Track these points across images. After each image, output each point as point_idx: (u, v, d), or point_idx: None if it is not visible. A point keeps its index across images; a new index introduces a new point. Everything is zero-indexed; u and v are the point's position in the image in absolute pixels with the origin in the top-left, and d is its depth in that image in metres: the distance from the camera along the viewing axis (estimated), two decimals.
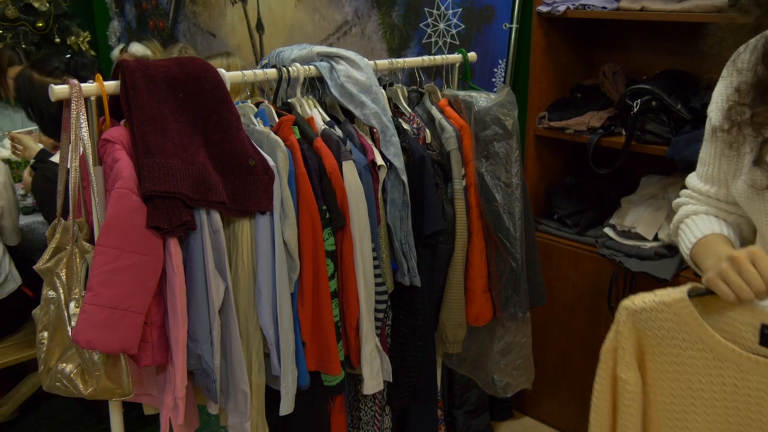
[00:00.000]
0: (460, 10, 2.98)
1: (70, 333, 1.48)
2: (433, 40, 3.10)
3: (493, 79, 2.90)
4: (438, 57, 2.19)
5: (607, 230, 2.52)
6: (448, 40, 3.04)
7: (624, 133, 2.43)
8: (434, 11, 3.07)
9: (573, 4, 2.46)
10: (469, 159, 2.04)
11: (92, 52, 4.49)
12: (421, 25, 3.13)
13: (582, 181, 2.69)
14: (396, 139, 1.90)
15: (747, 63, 1.16)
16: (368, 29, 3.31)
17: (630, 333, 1.16)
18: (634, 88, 2.38)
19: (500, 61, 2.87)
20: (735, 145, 1.17)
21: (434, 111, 2.09)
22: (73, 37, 4.27)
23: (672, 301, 1.11)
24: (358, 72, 1.94)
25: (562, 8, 2.46)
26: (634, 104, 2.36)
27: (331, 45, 3.44)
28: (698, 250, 1.21)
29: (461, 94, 2.10)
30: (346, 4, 3.37)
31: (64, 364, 1.50)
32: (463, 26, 2.98)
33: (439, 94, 2.17)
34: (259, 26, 3.68)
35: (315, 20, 3.47)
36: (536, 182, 2.68)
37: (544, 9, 2.51)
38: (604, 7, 2.42)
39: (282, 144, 1.74)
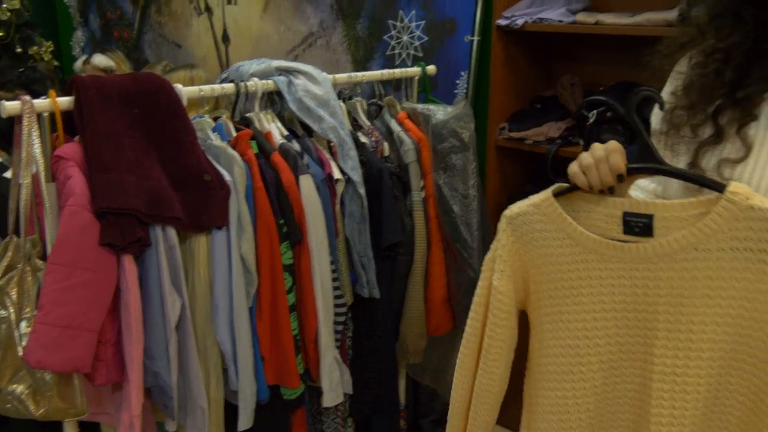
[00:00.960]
0: (424, 22, 3.01)
1: (20, 353, 1.48)
2: (397, 51, 3.12)
3: (456, 91, 2.93)
4: (397, 71, 2.22)
5: None
6: (412, 52, 3.06)
7: (581, 143, 2.46)
8: (398, 23, 3.09)
9: (531, 18, 2.50)
10: (428, 171, 2.06)
11: (55, 62, 4.45)
12: (385, 37, 3.15)
13: (541, 189, 2.72)
14: (354, 152, 1.92)
15: (685, 68, 1.21)
16: (333, 41, 3.32)
17: (508, 240, 1.18)
18: (590, 99, 2.41)
19: (462, 73, 2.90)
20: (674, 147, 1.21)
21: (393, 124, 2.11)
22: (35, 47, 4.22)
23: (540, 201, 1.15)
24: (316, 86, 1.95)
25: (520, 22, 2.50)
26: (590, 115, 2.40)
27: (296, 56, 3.46)
28: None
29: (419, 107, 2.12)
30: (311, 16, 3.38)
31: (15, 385, 1.49)
32: (427, 38, 3.01)
33: (398, 107, 2.19)
34: (225, 37, 3.68)
35: (281, 32, 3.48)
36: (497, 192, 2.71)
37: (503, 22, 2.54)
38: (560, 21, 2.46)
39: (239, 159, 1.75)
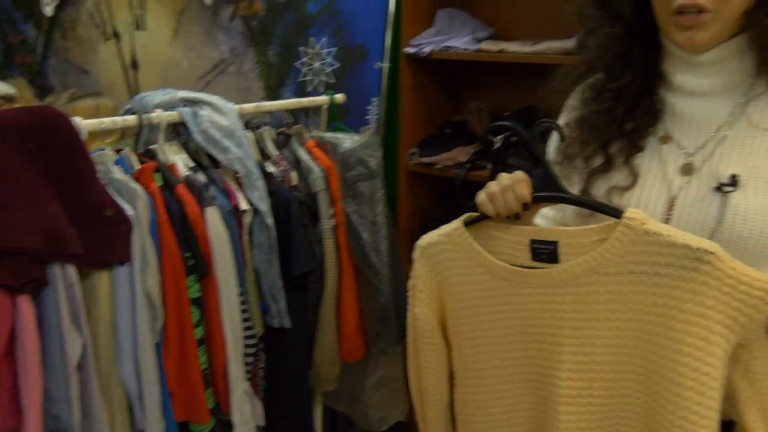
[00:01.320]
0: (335, 49, 3.04)
1: None
2: (309, 78, 3.14)
3: (368, 117, 2.96)
4: (305, 99, 2.24)
5: None
6: (324, 78, 3.09)
7: (489, 166, 2.53)
8: (309, 50, 3.11)
9: (437, 46, 2.56)
10: (337, 199, 2.08)
11: None
12: (296, 63, 3.16)
13: (452, 212, 2.76)
14: (261, 183, 1.92)
15: (577, 101, 1.26)
16: (245, 67, 3.31)
17: (423, 269, 1.22)
18: (495, 125, 2.47)
19: (373, 99, 2.94)
20: (567, 176, 1.26)
21: (301, 153, 2.12)
22: None
23: (451, 230, 1.19)
24: (222, 117, 1.94)
25: (427, 50, 2.56)
26: (496, 140, 2.47)
27: (208, 83, 3.43)
28: None
29: (327, 135, 2.15)
30: (222, 42, 3.36)
31: None
32: (338, 65, 3.04)
33: (307, 135, 2.20)
34: (134, 63, 3.61)
35: (191, 58, 3.45)
36: (409, 216, 2.76)
37: (410, 50, 2.60)
38: (466, 49, 2.53)
39: (142, 192, 1.72)
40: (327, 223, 2.06)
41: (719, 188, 1.08)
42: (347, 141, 2.07)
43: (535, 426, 1.18)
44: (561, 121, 1.30)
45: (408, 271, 2.73)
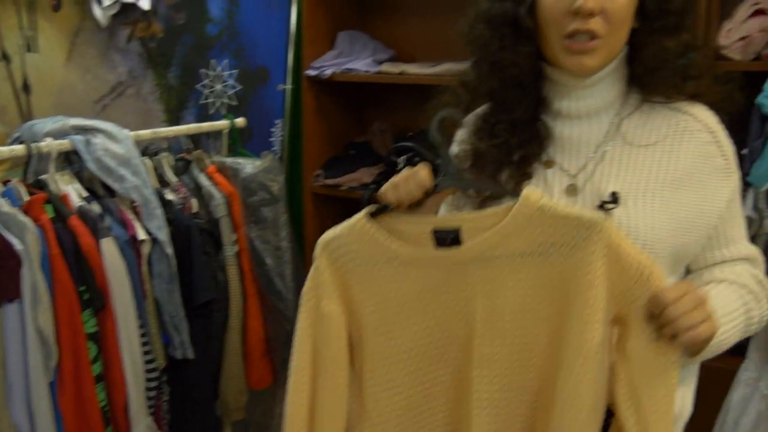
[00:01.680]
0: (236, 71, 3.01)
1: None
2: (211, 101, 3.10)
3: (272, 139, 2.95)
4: (205, 124, 2.21)
5: None
6: (226, 101, 3.05)
7: None
8: (210, 72, 3.07)
9: (339, 68, 2.58)
10: (239, 225, 2.06)
11: None
12: (198, 86, 3.11)
13: None
14: (159, 211, 1.87)
15: (468, 133, 1.28)
16: (144, 90, 3.24)
17: (327, 265, 1.19)
18: (398, 145, 2.53)
19: (277, 121, 2.93)
20: (459, 206, 1.28)
21: (202, 179, 2.08)
22: None
23: (354, 222, 1.17)
24: (117, 145, 1.89)
25: (328, 72, 2.57)
26: (399, 161, 2.50)
27: (105, 106, 3.33)
28: None
29: (228, 160, 2.12)
30: (119, 64, 3.28)
31: None
32: (240, 87, 3.01)
33: (207, 161, 2.17)
34: (26, 86, 3.47)
35: (87, 80, 3.34)
36: (316, 238, 2.73)
37: (312, 72, 2.60)
38: (367, 71, 2.56)
39: (31, 225, 1.65)
40: (230, 250, 2.04)
41: (602, 206, 1.13)
42: (249, 166, 2.05)
43: (451, 404, 1.19)
44: (452, 152, 1.32)
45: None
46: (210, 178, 2.10)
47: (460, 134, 1.29)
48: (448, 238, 1.12)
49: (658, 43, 1.12)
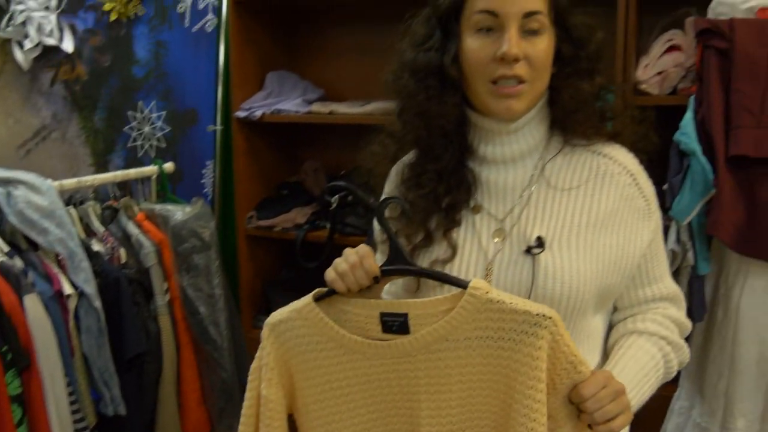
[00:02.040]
0: (165, 113, 2.98)
1: None
2: (139, 143, 3.05)
3: (203, 181, 2.92)
4: (132, 171, 2.16)
5: None
6: (155, 143, 3.01)
7: (328, 226, 2.56)
8: (138, 114, 3.03)
9: (269, 109, 2.57)
10: (171, 273, 2.02)
11: None
12: (125, 128, 3.06)
13: (296, 274, 2.78)
14: (86, 263, 1.82)
15: (396, 183, 1.29)
16: (69, 134, 3.16)
17: (273, 348, 1.18)
18: (331, 185, 2.53)
19: (208, 163, 2.90)
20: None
21: (130, 227, 2.04)
22: None
23: (302, 306, 1.17)
24: (39, 196, 1.84)
25: (258, 113, 2.56)
26: (333, 200, 2.51)
27: (29, 151, 3.24)
28: None
29: (158, 207, 2.08)
30: (42, 108, 3.20)
31: None
32: (169, 129, 2.97)
33: (136, 208, 2.13)
34: None
35: (9, 125, 3.25)
36: (252, 280, 2.72)
37: (241, 114, 2.59)
38: (297, 111, 2.56)
39: None
40: (161, 299, 1.99)
41: (528, 251, 1.15)
42: (178, 213, 2.02)
43: None
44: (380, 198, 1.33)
45: (251, 340, 2.68)
46: (139, 226, 2.06)
47: (388, 185, 1.30)
48: (395, 324, 1.12)
49: (574, 86, 1.16)
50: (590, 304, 1.14)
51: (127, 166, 2.87)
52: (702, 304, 1.77)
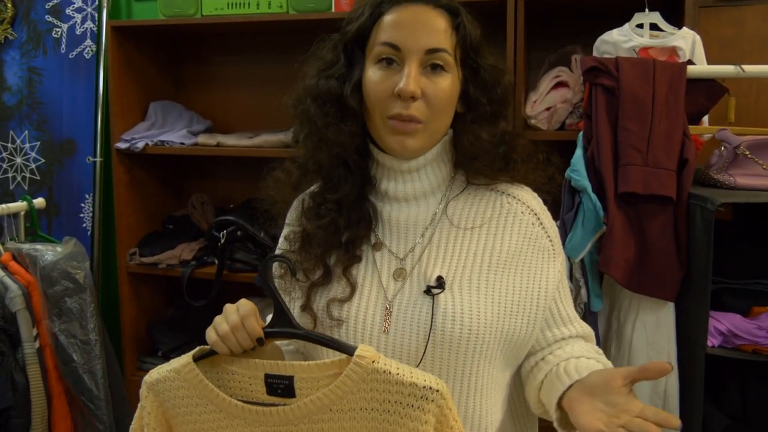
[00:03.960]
0: (38, 143, 2.80)
1: None
2: (10, 175, 2.85)
3: (82, 215, 2.75)
4: None
5: None
6: (28, 175, 2.82)
7: (216, 261, 2.45)
8: (9, 144, 2.83)
9: (152, 141, 2.46)
10: (41, 318, 1.86)
11: None
12: None
13: (184, 312, 2.65)
14: None
15: (295, 216, 1.23)
16: None
17: (153, 407, 1.12)
18: (218, 220, 2.44)
19: (87, 196, 2.74)
20: (288, 289, 1.22)
21: None
22: None
23: (180, 366, 1.11)
24: None
25: (140, 144, 2.44)
26: (221, 235, 2.41)
27: None
28: None
29: (25, 247, 1.93)
30: None
31: None
32: (43, 160, 2.80)
33: (1, 248, 1.96)
34: None
35: None
36: (135, 320, 2.57)
37: (122, 145, 2.46)
38: (182, 143, 2.45)
39: None
40: (30, 347, 1.83)
41: (428, 290, 1.12)
42: (49, 253, 1.87)
43: None
44: (283, 234, 1.27)
45: (134, 383, 2.53)
46: (4, 267, 1.89)
47: (290, 216, 1.25)
48: (280, 386, 1.07)
49: (475, 133, 1.13)
50: (496, 349, 1.10)
51: None
52: (596, 340, 1.79)
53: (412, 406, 1.00)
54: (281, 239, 1.26)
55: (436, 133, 1.12)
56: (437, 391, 1.00)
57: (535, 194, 1.20)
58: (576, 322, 1.20)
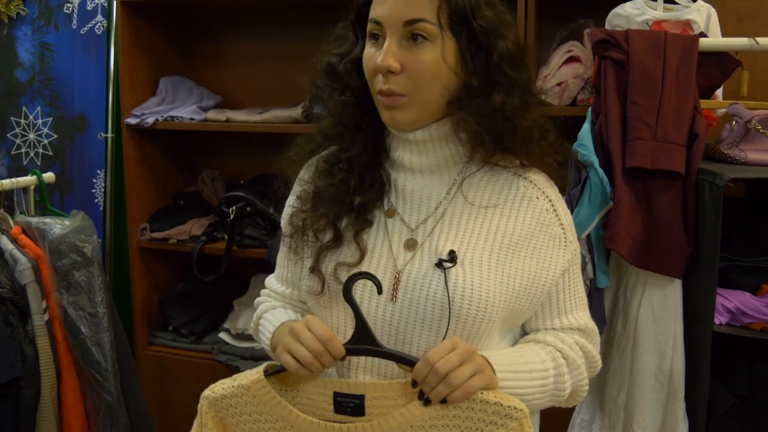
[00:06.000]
0: (51, 119, 2.81)
1: None
2: (23, 150, 2.87)
3: (93, 190, 2.77)
4: (6, 181, 2.01)
5: (223, 335, 2.51)
6: (41, 150, 2.84)
7: (226, 237, 2.46)
8: (22, 121, 2.85)
9: (162, 116, 2.46)
10: (50, 291, 1.88)
11: None
12: (8, 135, 2.88)
13: (194, 287, 2.66)
14: None
15: (310, 174, 1.23)
16: None
17: (214, 423, 1.13)
18: (228, 195, 2.44)
19: (99, 171, 2.75)
20: (298, 250, 1.22)
21: (4, 242, 1.89)
22: None
23: (249, 383, 1.12)
24: None
25: (150, 120, 2.44)
26: (230, 211, 2.41)
27: None
28: (276, 340, 1.23)
29: (34, 220, 1.94)
30: None
31: None
32: (56, 136, 2.81)
33: (11, 221, 1.97)
34: None
35: None
36: (147, 295, 2.59)
37: (132, 121, 2.46)
38: (192, 119, 2.45)
39: None
40: (39, 319, 1.85)
41: (439, 264, 1.11)
42: (57, 226, 1.88)
43: None
44: (293, 193, 1.28)
45: (146, 357, 2.55)
46: (14, 240, 1.91)
47: (303, 174, 1.25)
48: (350, 405, 1.08)
49: (471, 105, 1.09)
50: (495, 325, 1.10)
51: (11, 176, 2.70)
52: (602, 317, 1.77)
53: (496, 423, 1.02)
54: (292, 197, 1.26)
55: (428, 104, 1.10)
56: (521, 410, 1.02)
57: (552, 181, 1.19)
58: (574, 315, 1.19)
